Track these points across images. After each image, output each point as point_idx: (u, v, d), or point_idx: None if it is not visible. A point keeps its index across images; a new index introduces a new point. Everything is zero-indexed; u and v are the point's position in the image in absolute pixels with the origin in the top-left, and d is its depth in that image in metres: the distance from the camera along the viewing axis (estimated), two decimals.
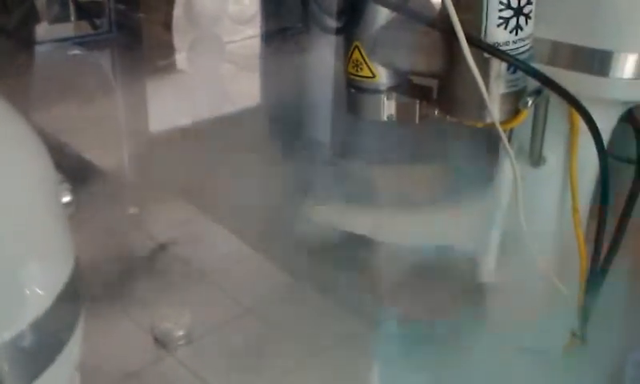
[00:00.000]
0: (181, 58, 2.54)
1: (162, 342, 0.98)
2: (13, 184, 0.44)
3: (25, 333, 0.42)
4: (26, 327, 0.42)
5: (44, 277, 0.44)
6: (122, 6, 2.38)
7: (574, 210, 0.95)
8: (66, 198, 0.54)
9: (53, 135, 1.86)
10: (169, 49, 2.54)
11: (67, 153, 1.79)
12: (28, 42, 2.71)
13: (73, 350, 0.46)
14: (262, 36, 2.05)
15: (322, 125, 1.15)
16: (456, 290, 1.05)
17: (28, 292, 0.43)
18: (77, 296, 0.48)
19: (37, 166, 0.48)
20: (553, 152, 0.94)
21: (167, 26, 2.35)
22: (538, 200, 0.95)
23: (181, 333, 0.91)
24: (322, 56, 1.13)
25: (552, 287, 0.96)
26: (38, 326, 0.42)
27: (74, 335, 0.46)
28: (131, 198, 1.65)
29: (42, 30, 2.68)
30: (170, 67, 2.47)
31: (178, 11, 2.55)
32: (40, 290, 0.43)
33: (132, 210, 1.59)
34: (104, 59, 2.53)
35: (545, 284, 1.00)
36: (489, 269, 0.99)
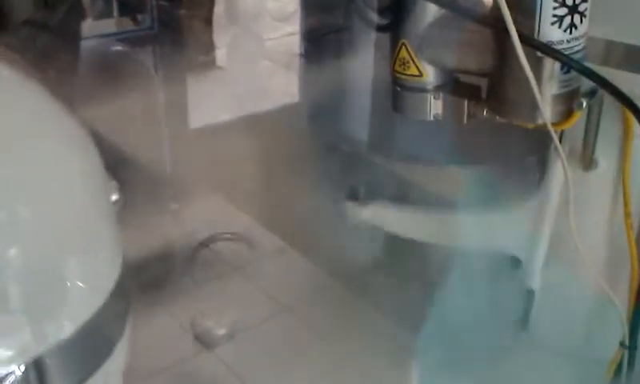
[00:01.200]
0: (221, 54, 2.55)
1: (201, 339, 0.98)
2: (64, 183, 0.43)
3: (77, 334, 0.41)
4: (79, 328, 0.41)
5: (95, 276, 0.43)
6: (164, 3, 2.39)
7: (626, 214, 0.92)
8: (114, 197, 0.54)
9: (95, 130, 1.88)
10: (209, 45, 2.54)
11: (109, 148, 1.81)
12: (72, 38, 2.73)
13: (122, 351, 0.45)
14: (302, 33, 2.03)
15: (364, 123, 1.13)
16: (501, 295, 1.03)
17: (80, 292, 0.42)
18: (126, 295, 0.47)
19: (87, 164, 0.47)
20: (605, 155, 0.91)
21: (208, 22, 2.35)
22: (589, 204, 0.92)
23: (221, 331, 0.90)
24: (364, 53, 1.11)
25: (601, 294, 0.93)
26: (89, 326, 0.41)
27: (123, 336, 0.45)
28: (171, 194, 1.65)
29: (86, 26, 2.70)
30: (210, 63, 2.47)
31: (219, 8, 2.56)
32: (91, 289, 0.42)
33: (172, 206, 1.59)
34: (145, 55, 2.54)
35: (594, 291, 0.97)
36: (536, 274, 0.97)
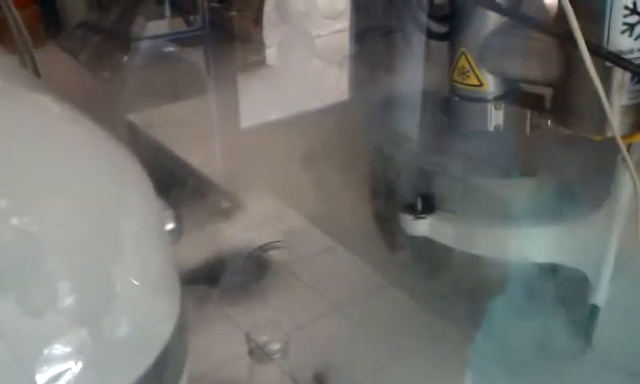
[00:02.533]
0: (271, 53, 2.55)
1: (256, 354, 0.97)
2: (123, 220, 0.42)
3: (148, 372, 0.39)
4: (150, 366, 0.40)
5: (161, 311, 0.42)
6: (215, 4, 2.39)
7: None
8: (170, 226, 0.52)
9: (146, 132, 1.90)
10: (259, 44, 2.54)
11: (161, 150, 1.82)
12: (124, 39, 2.77)
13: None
14: (352, 34, 2.01)
15: (416, 128, 1.10)
16: (565, 310, 0.99)
17: (148, 330, 0.41)
18: (186, 327, 0.46)
19: (142, 197, 0.46)
20: None
21: (258, 22, 2.35)
22: None
23: (276, 346, 0.90)
24: (417, 58, 1.08)
25: None
26: (159, 363, 0.40)
27: (185, 368, 0.44)
28: (224, 196, 1.65)
29: (138, 27, 2.74)
30: (261, 62, 2.47)
31: (268, 7, 2.55)
32: (158, 325, 0.41)
33: (224, 205, 1.59)
34: (197, 55, 2.56)
35: None
36: (601, 289, 0.93)
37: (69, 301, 0.38)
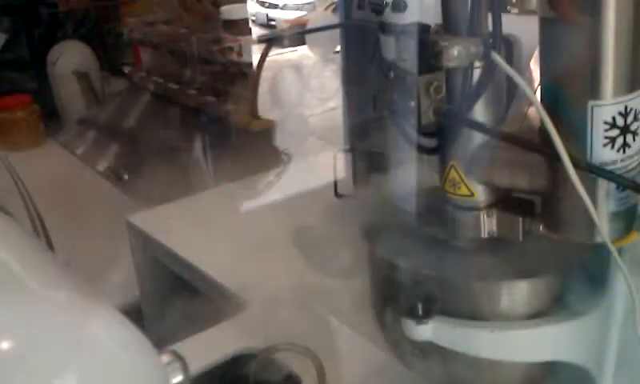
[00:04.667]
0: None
1: None
2: None
3: None
4: None
5: None
6: (211, 98, 2.45)
7: None
8: (177, 379, 0.54)
9: (147, 231, 1.89)
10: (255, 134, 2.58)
11: (163, 250, 1.82)
12: (118, 133, 2.84)
13: None
14: (346, 129, 2.04)
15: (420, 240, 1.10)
16: None
17: None
18: None
19: (144, 363, 0.48)
20: None
21: (253, 113, 2.41)
22: None
23: None
24: (408, 170, 1.09)
25: None
26: None
27: None
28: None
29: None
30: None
31: (262, 96, 2.61)
32: None
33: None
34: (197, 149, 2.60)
35: None
36: None
37: None
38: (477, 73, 0.83)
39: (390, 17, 0.93)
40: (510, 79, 0.83)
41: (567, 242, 0.83)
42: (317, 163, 2.16)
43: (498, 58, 0.79)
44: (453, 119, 0.85)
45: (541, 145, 0.80)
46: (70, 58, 3.07)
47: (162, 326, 1.61)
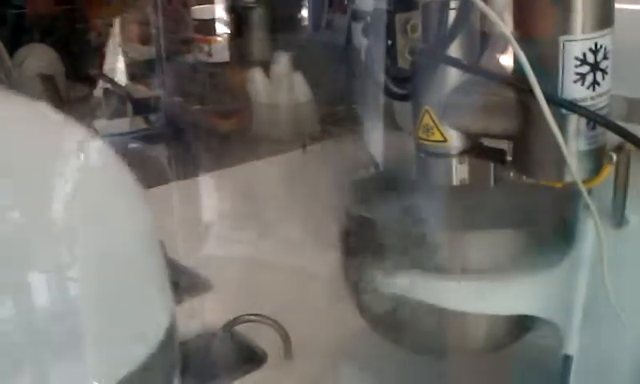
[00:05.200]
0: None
1: None
2: (113, 219, 0.43)
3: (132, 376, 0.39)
4: (137, 370, 0.39)
5: (151, 317, 0.42)
6: (178, 99, 2.44)
7: None
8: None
9: None
10: (222, 139, 2.56)
11: None
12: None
13: None
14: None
15: (390, 191, 1.11)
16: (537, 361, 1.00)
17: (137, 333, 0.41)
18: (176, 337, 0.45)
19: (133, 200, 0.47)
20: (636, 212, 0.90)
21: (223, 115, 2.40)
22: (622, 263, 0.90)
23: None
24: (378, 127, 1.11)
25: None
26: (146, 367, 0.40)
27: (175, 379, 0.44)
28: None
29: (101, 125, 2.77)
30: (221, 157, 2.49)
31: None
32: (148, 330, 0.41)
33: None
34: (159, 152, 2.57)
35: (634, 355, 0.95)
36: (572, 338, 0.94)
37: (57, 296, 0.38)
38: (452, 15, 0.84)
39: None
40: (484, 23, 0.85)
41: (538, 183, 0.84)
42: None
43: None
44: (429, 58, 0.86)
45: (515, 79, 0.81)
46: (35, 61, 3.03)
47: None
